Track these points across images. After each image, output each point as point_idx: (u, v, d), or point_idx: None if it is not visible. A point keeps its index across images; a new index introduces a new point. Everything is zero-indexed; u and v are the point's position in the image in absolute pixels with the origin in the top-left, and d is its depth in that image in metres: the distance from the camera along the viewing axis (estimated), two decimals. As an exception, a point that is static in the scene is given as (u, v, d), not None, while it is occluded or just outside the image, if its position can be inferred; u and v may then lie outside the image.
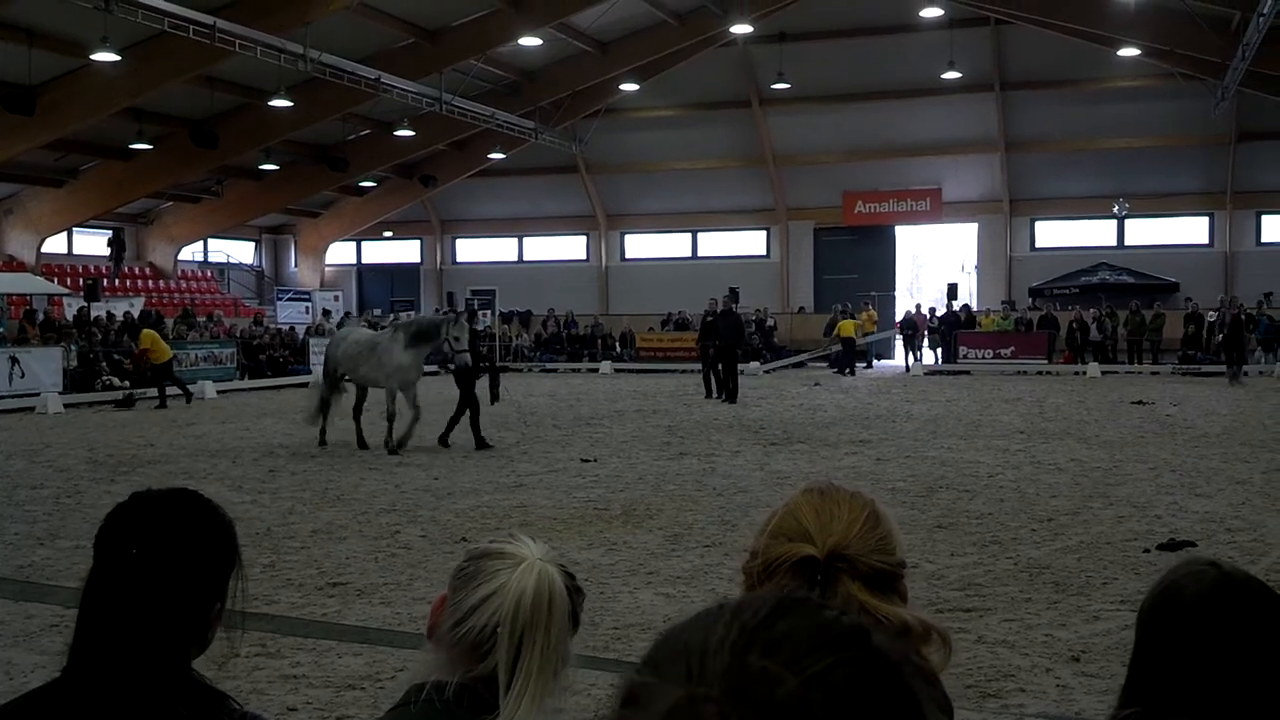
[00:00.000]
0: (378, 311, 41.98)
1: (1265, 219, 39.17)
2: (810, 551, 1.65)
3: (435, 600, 2.06)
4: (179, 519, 1.96)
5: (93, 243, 40.17)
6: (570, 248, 46.89)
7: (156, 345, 25.63)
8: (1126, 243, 40.34)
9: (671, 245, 45.50)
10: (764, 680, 0.76)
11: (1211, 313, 34.41)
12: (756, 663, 0.77)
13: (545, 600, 1.94)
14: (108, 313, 32.01)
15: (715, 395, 25.24)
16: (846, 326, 35.00)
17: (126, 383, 27.71)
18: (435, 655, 2.00)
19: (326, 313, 41.08)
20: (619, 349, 40.15)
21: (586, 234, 46.27)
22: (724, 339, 25.59)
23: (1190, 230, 40.11)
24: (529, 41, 32.53)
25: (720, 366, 25.50)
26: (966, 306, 38.33)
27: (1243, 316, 31.09)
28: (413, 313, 37.07)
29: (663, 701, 0.77)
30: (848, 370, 34.51)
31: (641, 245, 46.05)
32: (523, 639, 1.92)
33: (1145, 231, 40.15)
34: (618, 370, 37.55)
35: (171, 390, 25.62)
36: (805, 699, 0.76)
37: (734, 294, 37.43)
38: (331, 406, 17.57)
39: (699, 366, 27.59)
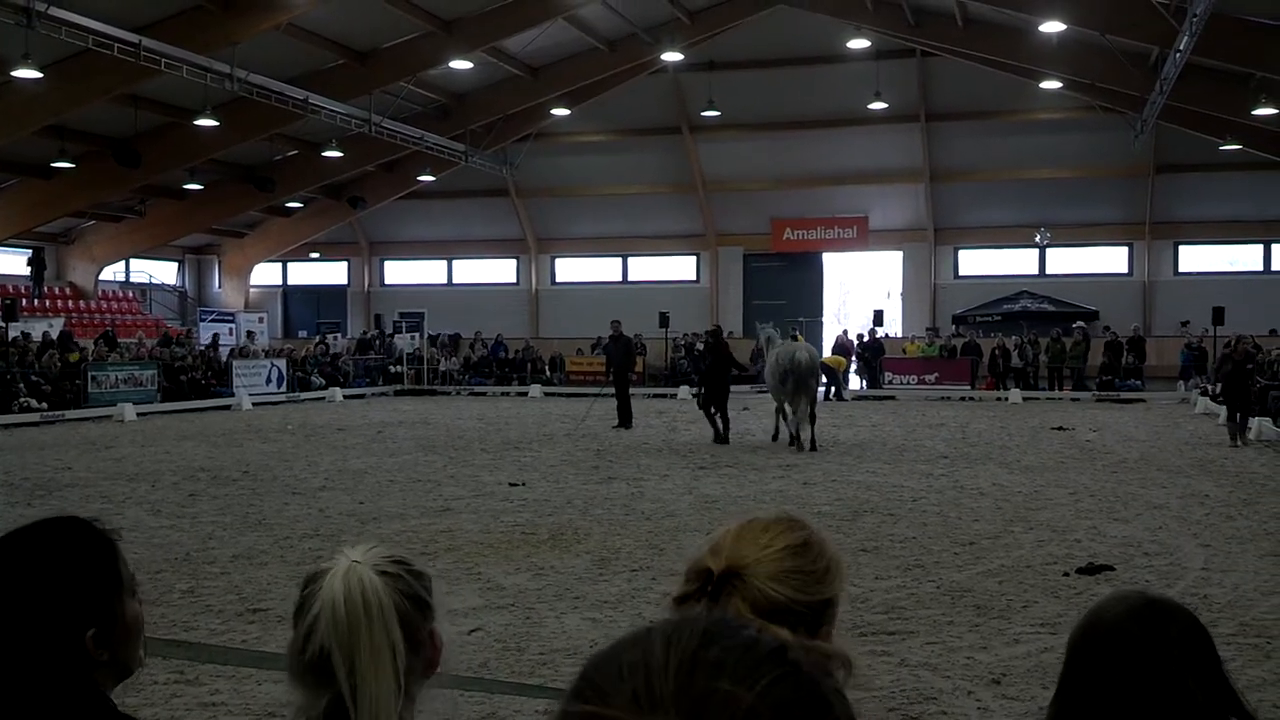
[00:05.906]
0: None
1: (1183, 249, 40.12)
2: (710, 564, 1.69)
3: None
4: (34, 551, 1.92)
5: (12, 262, 39.37)
6: (500, 271, 46.75)
7: None
8: (1048, 271, 41.10)
9: (602, 269, 45.53)
10: (720, 701, 0.79)
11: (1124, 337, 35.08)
12: (706, 684, 0.80)
13: (358, 599, 1.88)
14: (23, 333, 31.34)
15: (619, 424, 23.99)
16: (837, 360, 35.10)
17: (44, 405, 27.15)
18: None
19: (251, 335, 40.51)
20: (549, 373, 40.09)
21: (517, 257, 46.17)
22: (616, 364, 25.46)
23: (1110, 259, 40.98)
24: (460, 64, 32.47)
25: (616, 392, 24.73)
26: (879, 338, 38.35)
27: (1248, 365, 22.67)
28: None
29: None
30: (841, 396, 34.49)
31: (572, 269, 46.03)
32: (352, 647, 1.87)
33: (1066, 260, 40.95)
34: (547, 394, 37.45)
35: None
36: (759, 714, 0.79)
37: (664, 318, 37.70)
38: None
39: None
